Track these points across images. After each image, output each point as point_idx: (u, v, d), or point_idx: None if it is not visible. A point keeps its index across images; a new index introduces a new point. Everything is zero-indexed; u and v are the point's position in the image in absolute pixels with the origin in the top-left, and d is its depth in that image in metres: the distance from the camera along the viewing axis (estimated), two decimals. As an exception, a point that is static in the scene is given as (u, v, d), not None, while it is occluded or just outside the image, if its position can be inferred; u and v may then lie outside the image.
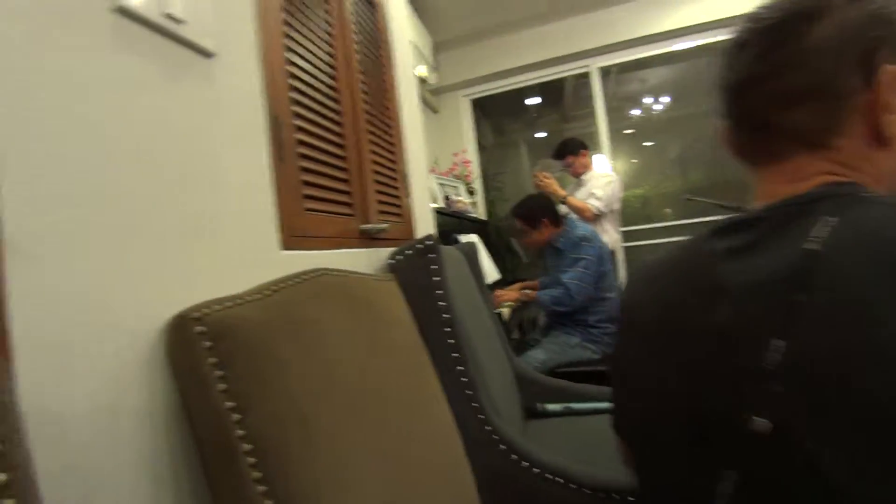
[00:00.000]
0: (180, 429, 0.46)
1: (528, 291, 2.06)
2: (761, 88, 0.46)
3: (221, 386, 0.44)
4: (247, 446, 0.43)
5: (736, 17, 0.49)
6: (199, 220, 0.53)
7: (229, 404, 0.44)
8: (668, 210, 3.68)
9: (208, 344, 0.44)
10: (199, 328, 0.44)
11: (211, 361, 0.44)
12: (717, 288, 0.42)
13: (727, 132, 0.52)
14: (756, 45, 0.46)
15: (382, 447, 0.56)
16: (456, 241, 1.87)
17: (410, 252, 0.93)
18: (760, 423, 0.35)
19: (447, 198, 2.52)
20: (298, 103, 0.76)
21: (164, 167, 0.49)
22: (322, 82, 0.86)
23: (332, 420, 0.50)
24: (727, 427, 0.39)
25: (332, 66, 0.91)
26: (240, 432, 0.43)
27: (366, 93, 1.04)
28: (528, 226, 2.07)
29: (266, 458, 0.44)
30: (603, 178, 2.60)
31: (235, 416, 0.44)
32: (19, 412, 0.25)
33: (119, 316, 0.42)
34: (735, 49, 0.48)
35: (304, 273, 0.62)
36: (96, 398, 0.39)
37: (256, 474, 0.43)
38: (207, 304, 0.46)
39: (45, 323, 0.35)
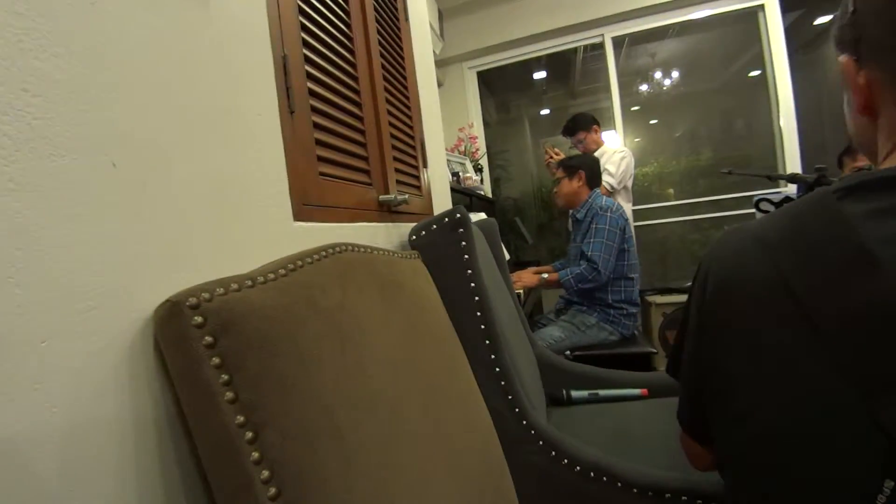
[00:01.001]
0: (177, 450, 0.36)
1: (545, 276, 1.95)
2: None
3: (228, 395, 0.33)
4: (264, 473, 0.33)
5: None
6: (195, 181, 0.41)
7: (239, 419, 0.33)
8: (670, 191, 3.58)
9: (209, 339, 0.33)
10: (196, 318, 0.33)
11: (213, 363, 0.33)
12: (865, 258, 0.35)
13: (878, 78, 0.42)
14: None
15: (429, 459, 0.46)
16: (468, 220, 1.76)
17: (436, 227, 0.82)
18: None
19: (456, 174, 2.39)
20: (309, 45, 0.63)
21: (144, 108, 0.37)
22: (334, 25, 0.73)
23: (373, 432, 0.39)
24: None
25: (345, 11, 0.78)
26: (254, 455, 0.33)
27: (381, 44, 0.91)
28: (565, 173, 1.98)
29: (290, 489, 0.33)
30: (616, 153, 2.46)
31: (248, 435, 0.33)
32: None
33: (93, 303, 0.31)
34: None
35: (323, 248, 0.51)
36: (61, 414, 0.28)
37: (278, 510, 0.33)
38: (207, 287, 0.35)
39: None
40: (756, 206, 1.63)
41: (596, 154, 2.51)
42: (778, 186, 2.59)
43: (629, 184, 2.53)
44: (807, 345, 0.37)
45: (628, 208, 2.55)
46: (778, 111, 2.82)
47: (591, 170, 1.97)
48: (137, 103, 0.36)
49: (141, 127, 0.36)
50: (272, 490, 0.33)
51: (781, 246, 0.41)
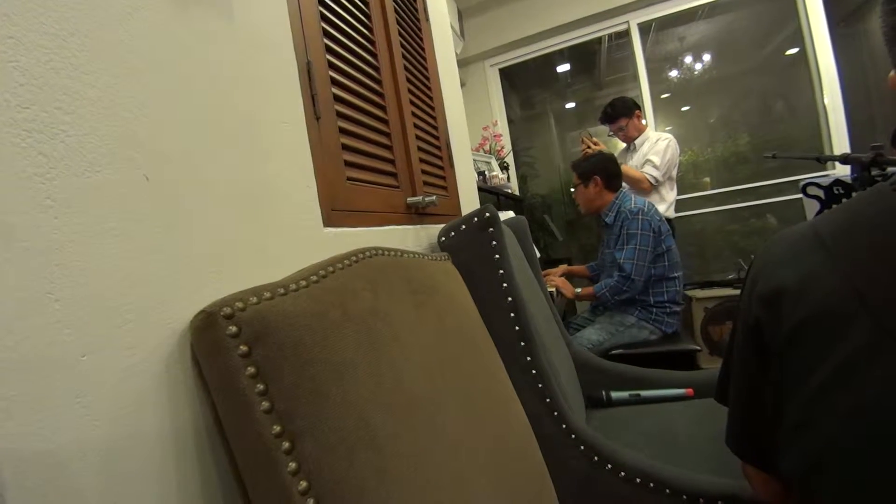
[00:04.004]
0: (216, 461, 0.36)
1: (578, 291, 1.87)
2: None
3: (264, 405, 0.33)
4: (302, 484, 0.32)
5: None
6: (226, 191, 0.41)
7: (275, 429, 0.33)
8: (706, 179, 3.42)
9: (244, 349, 0.33)
10: (230, 328, 0.33)
11: (248, 372, 0.33)
12: None
13: None
14: None
15: (466, 467, 0.44)
16: (497, 219, 1.72)
17: (465, 227, 0.80)
18: None
19: (482, 173, 2.37)
20: (332, 51, 0.63)
21: (174, 121, 0.37)
22: (356, 30, 0.73)
23: (409, 440, 0.38)
24: None
25: (366, 15, 0.78)
26: (291, 466, 0.32)
27: (403, 46, 0.91)
28: (579, 179, 1.86)
29: (328, 500, 0.33)
30: (660, 140, 2.22)
31: (285, 445, 0.33)
32: None
33: (131, 316, 0.31)
34: None
35: (353, 253, 0.50)
36: (102, 427, 0.28)
37: (317, 522, 0.32)
38: (240, 296, 0.35)
39: (29, 330, 0.24)
40: (803, 190, 1.53)
41: (637, 141, 2.32)
42: (827, 169, 2.43)
43: (674, 172, 2.30)
44: (874, 343, 0.34)
45: (673, 197, 2.33)
46: (821, 89, 2.65)
47: (606, 172, 1.82)
48: (167, 117, 0.36)
49: (171, 140, 0.36)
50: (310, 502, 0.32)
51: (839, 242, 0.38)
